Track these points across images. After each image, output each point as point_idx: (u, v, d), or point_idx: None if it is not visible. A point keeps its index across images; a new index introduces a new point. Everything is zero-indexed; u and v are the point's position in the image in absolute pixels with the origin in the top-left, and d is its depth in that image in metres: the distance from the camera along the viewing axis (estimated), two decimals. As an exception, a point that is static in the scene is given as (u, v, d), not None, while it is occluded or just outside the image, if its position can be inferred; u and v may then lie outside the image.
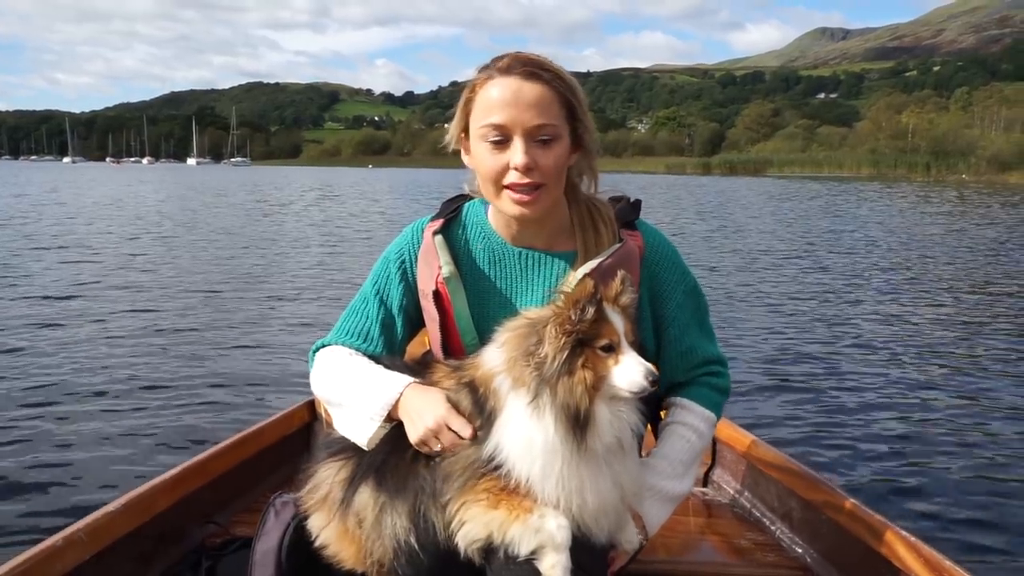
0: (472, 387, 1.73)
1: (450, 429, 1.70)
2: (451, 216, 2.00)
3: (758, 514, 2.79)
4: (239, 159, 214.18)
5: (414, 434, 1.74)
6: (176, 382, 6.16)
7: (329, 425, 1.94)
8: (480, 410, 1.69)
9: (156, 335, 7.82)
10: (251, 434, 2.84)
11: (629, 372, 1.62)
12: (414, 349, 2.10)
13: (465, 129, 1.87)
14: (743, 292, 11.07)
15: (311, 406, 3.16)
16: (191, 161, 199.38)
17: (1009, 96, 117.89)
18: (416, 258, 1.99)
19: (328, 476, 1.83)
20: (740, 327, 8.60)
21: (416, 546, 1.67)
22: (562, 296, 1.63)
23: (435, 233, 1.96)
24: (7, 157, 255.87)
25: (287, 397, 5.40)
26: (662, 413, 2.07)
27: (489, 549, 1.64)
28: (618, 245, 1.89)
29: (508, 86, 1.76)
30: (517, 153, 1.76)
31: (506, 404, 1.65)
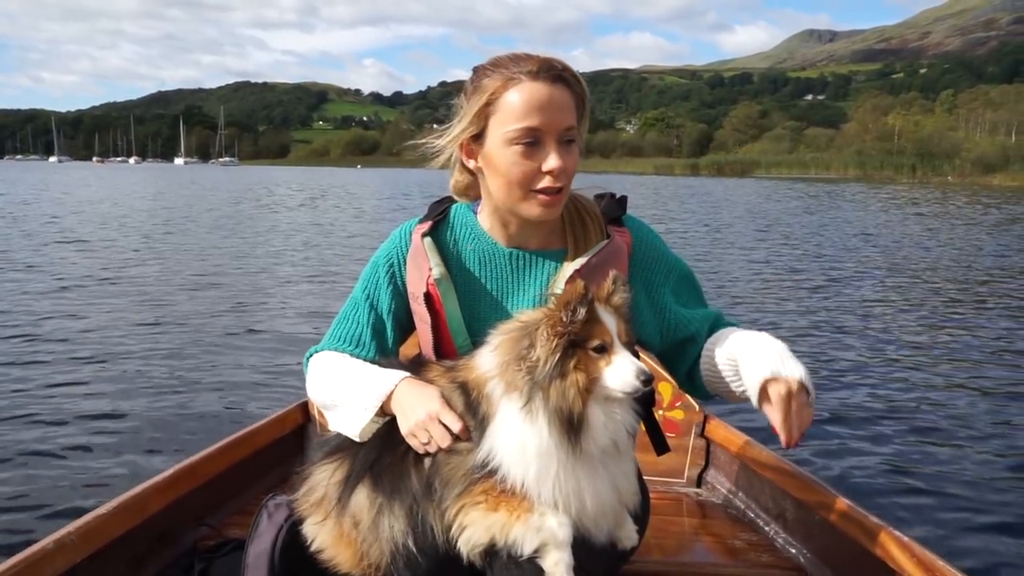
0: (465, 389, 1.73)
1: (441, 423, 1.70)
2: (439, 218, 2.00)
3: (752, 514, 2.80)
4: (227, 159, 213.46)
5: (405, 426, 1.74)
6: (168, 384, 6.12)
7: (323, 428, 1.94)
8: (472, 413, 1.69)
9: (147, 337, 7.76)
10: (244, 436, 2.82)
11: (621, 372, 1.61)
12: (407, 351, 2.10)
13: (476, 135, 1.84)
14: (730, 290, 11.12)
15: (304, 408, 3.14)
16: (178, 161, 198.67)
17: (994, 98, 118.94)
18: (405, 261, 1.99)
19: (323, 478, 1.82)
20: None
21: (414, 549, 1.66)
22: (554, 298, 1.63)
23: (424, 235, 1.96)
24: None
25: (280, 399, 5.38)
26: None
27: (490, 551, 1.63)
28: (605, 242, 1.90)
29: (540, 90, 1.76)
30: (552, 157, 1.77)
31: (499, 409, 1.64)
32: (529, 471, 1.60)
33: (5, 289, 10.25)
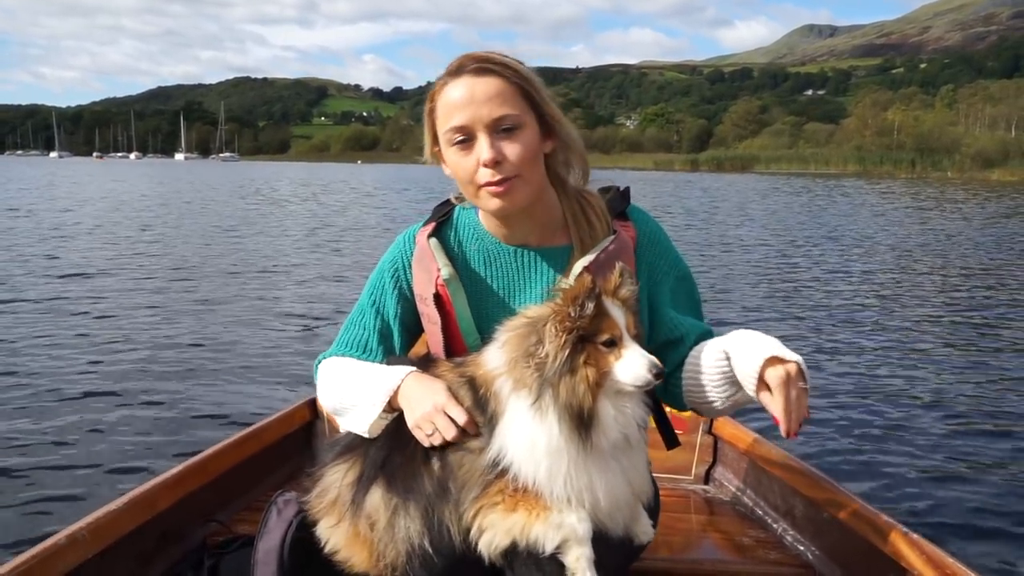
0: (473, 385, 1.72)
1: (446, 415, 1.70)
2: (442, 220, 2.01)
3: (760, 512, 2.79)
4: (227, 154, 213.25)
5: (411, 418, 1.75)
6: (177, 381, 6.13)
7: (331, 424, 1.94)
8: (481, 410, 1.69)
9: (156, 333, 7.77)
10: (252, 432, 2.83)
11: (632, 366, 1.60)
12: (417, 349, 2.10)
13: (436, 139, 1.87)
14: (733, 287, 11.12)
15: (312, 404, 3.14)
16: (179, 156, 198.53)
17: (994, 93, 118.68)
18: (410, 265, 2.00)
19: (336, 479, 1.82)
20: (732, 323, 8.62)
21: (430, 549, 1.66)
22: (561, 293, 1.62)
23: (429, 236, 1.97)
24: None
25: (289, 395, 5.39)
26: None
27: (510, 550, 1.63)
28: (612, 237, 1.89)
29: (461, 87, 1.77)
30: (483, 149, 1.77)
31: (508, 407, 1.63)
32: (540, 469, 1.59)
33: (16, 282, 10.27)
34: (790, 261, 14.32)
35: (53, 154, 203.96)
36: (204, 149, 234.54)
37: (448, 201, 2.06)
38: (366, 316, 2.03)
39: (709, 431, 3.12)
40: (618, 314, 1.64)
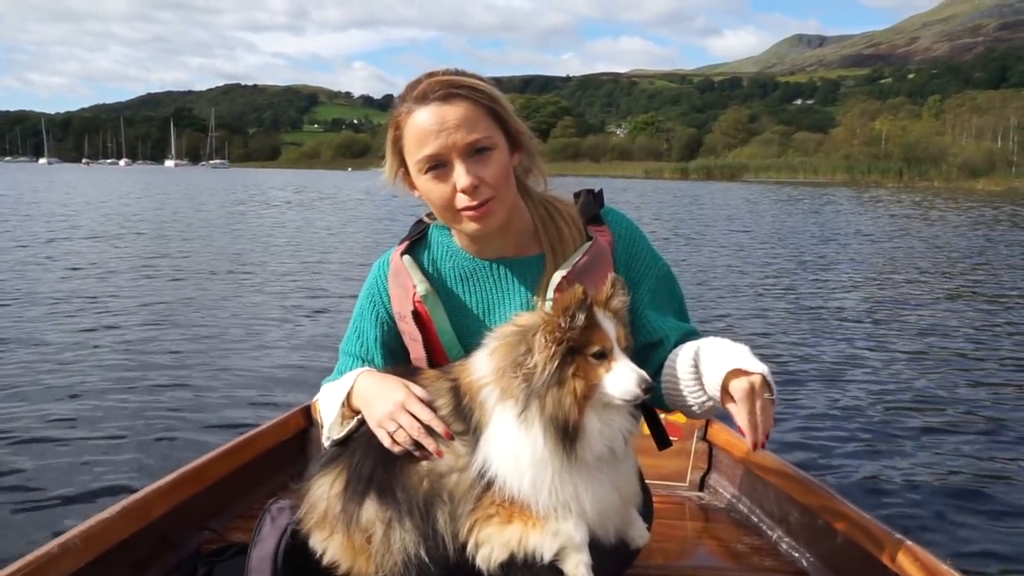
0: (456, 391, 1.72)
1: (408, 412, 1.69)
2: (417, 238, 2.02)
3: (755, 519, 2.80)
4: (217, 161, 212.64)
5: (371, 418, 1.75)
6: (170, 388, 6.10)
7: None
8: (463, 418, 1.68)
9: (149, 340, 7.73)
10: (246, 440, 2.83)
11: (622, 380, 1.59)
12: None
13: (403, 165, 1.86)
14: (724, 295, 11.14)
15: (306, 412, 3.13)
16: (169, 163, 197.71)
17: (981, 104, 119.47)
18: (387, 287, 2.00)
19: (323, 492, 1.80)
20: (723, 332, 8.62)
21: (426, 559, 1.66)
22: (552, 303, 1.61)
23: (403, 254, 1.97)
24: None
25: (283, 402, 5.36)
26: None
27: (507, 562, 1.63)
28: (588, 244, 1.89)
29: (430, 115, 1.76)
30: (461, 176, 1.76)
31: (492, 418, 1.63)
32: (524, 480, 1.59)
33: (11, 288, 10.20)
34: (778, 268, 14.39)
35: (42, 160, 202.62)
36: (194, 156, 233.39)
37: (422, 220, 2.06)
38: (350, 343, 2.05)
39: (704, 438, 3.12)
40: (609, 326, 1.63)
